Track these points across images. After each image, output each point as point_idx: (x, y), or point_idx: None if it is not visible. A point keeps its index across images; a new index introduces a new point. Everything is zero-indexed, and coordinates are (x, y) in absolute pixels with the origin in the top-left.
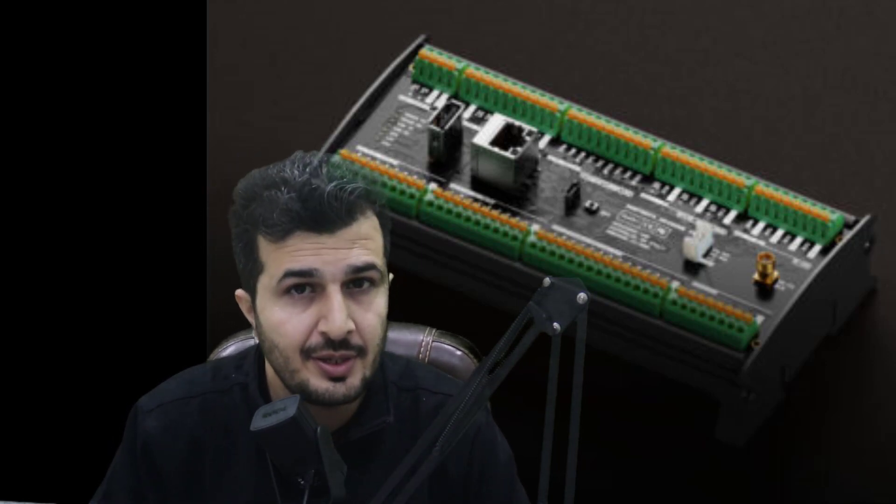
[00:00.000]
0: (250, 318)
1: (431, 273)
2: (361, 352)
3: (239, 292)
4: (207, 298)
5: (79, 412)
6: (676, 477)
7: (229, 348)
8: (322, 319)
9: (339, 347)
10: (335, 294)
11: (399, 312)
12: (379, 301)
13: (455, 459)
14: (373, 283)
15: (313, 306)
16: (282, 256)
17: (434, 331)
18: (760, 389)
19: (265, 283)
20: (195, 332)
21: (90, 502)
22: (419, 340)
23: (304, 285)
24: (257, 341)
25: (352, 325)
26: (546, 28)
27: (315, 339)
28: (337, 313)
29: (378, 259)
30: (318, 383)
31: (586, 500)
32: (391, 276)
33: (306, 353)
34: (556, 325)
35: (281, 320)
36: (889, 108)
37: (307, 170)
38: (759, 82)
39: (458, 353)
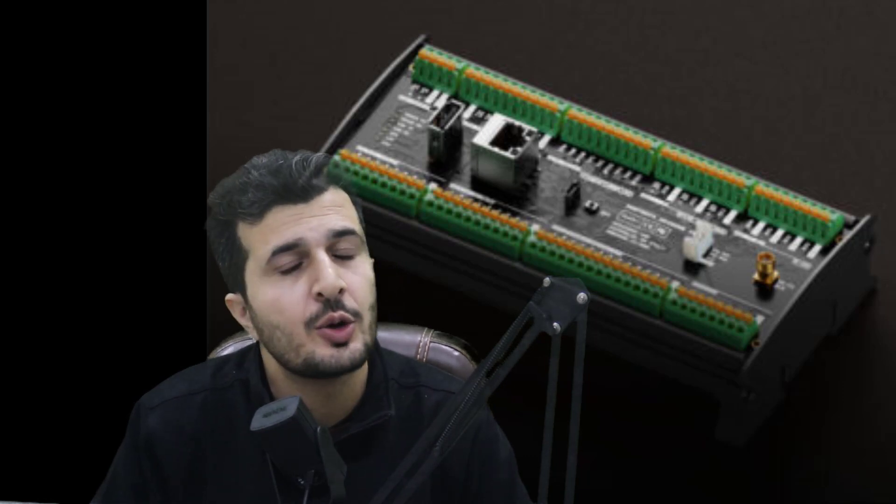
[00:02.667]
0: (244, 321)
1: (431, 273)
2: (357, 315)
3: (229, 297)
4: (207, 298)
5: (79, 412)
6: (676, 477)
7: (228, 348)
8: (315, 283)
9: (337, 308)
10: (322, 256)
11: (399, 312)
12: (364, 266)
13: (456, 458)
14: (355, 249)
15: (304, 276)
16: (266, 235)
17: (431, 332)
18: (760, 389)
19: (252, 268)
20: (195, 332)
21: (92, 501)
22: (417, 341)
23: (291, 260)
24: (255, 339)
25: (343, 283)
26: (546, 28)
27: (313, 308)
28: (327, 270)
29: (356, 226)
30: (324, 351)
31: (586, 500)
32: (372, 259)
33: (309, 324)
34: (556, 325)
35: (276, 297)
36: (889, 108)
37: (272, 155)
38: (759, 82)
39: (456, 353)
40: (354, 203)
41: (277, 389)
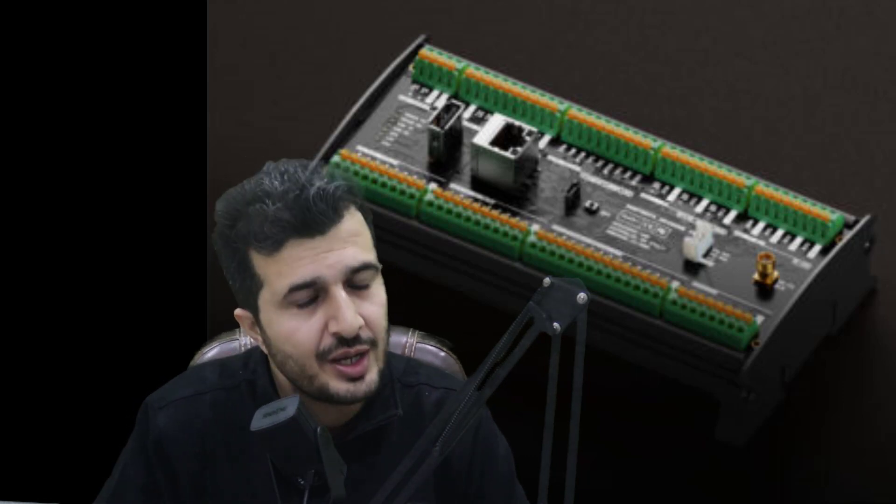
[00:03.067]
0: (254, 335)
1: (431, 273)
2: (373, 344)
3: (238, 312)
4: (207, 299)
5: (79, 412)
6: (676, 477)
7: (213, 350)
8: (331, 320)
9: (353, 343)
10: (340, 294)
11: (399, 312)
12: (379, 292)
13: (459, 454)
14: (370, 278)
15: (320, 310)
16: (281, 269)
17: (417, 332)
18: (760, 389)
19: (267, 297)
20: (195, 332)
21: (95, 502)
22: (403, 342)
23: (307, 296)
24: (254, 345)
25: (361, 321)
26: (546, 28)
27: (328, 342)
28: (346, 311)
29: (371, 255)
30: (339, 385)
31: (586, 500)
32: (380, 265)
33: (321, 356)
34: (556, 325)
35: (291, 330)
36: (889, 108)
37: (286, 178)
38: (759, 82)
39: (442, 353)
40: (366, 218)
41: (284, 393)
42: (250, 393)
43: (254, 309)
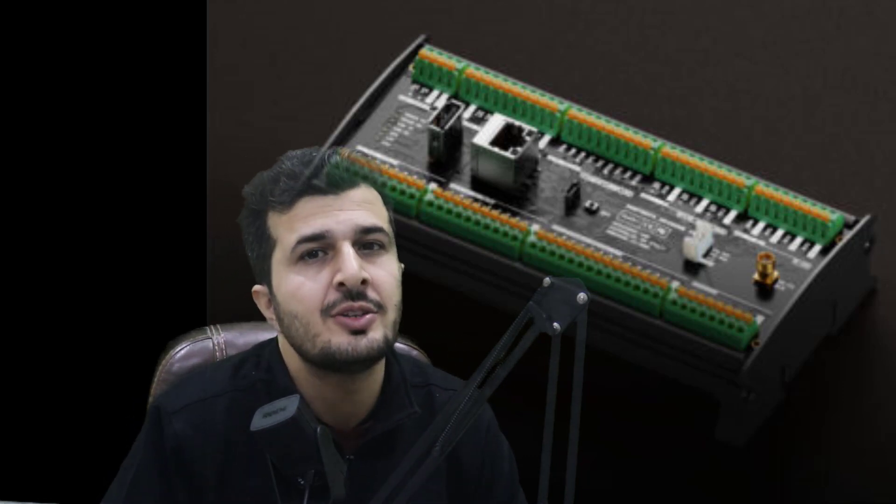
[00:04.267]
0: (268, 314)
1: (431, 273)
2: (380, 308)
3: (256, 288)
4: (207, 298)
5: (79, 412)
6: (676, 477)
7: (182, 350)
8: (336, 273)
9: (357, 298)
10: (347, 248)
11: None
12: (391, 263)
13: (470, 455)
14: (381, 246)
15: (327, 267)
16: (293, 224)
17: None
18: (760, 389)
19: (279, 257)
20: None
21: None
22: None
23: (316, 250)
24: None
25: (366, 275)
26: (546, 28)
27: (332, 296)
28: (350, 261)
29: (384, 223)
30: (340, 339)
31: (586, 500)
32: (402, 266)
33: (326, 311)
34: (556, 325)
35: (297, 285)
36: (889, 108)
37: (307, 150)
38: (759, 82)
39: (414, 352)
40: (386, 203)
41: (299, 387)
42: (266, 392)
43: (268, 276)
